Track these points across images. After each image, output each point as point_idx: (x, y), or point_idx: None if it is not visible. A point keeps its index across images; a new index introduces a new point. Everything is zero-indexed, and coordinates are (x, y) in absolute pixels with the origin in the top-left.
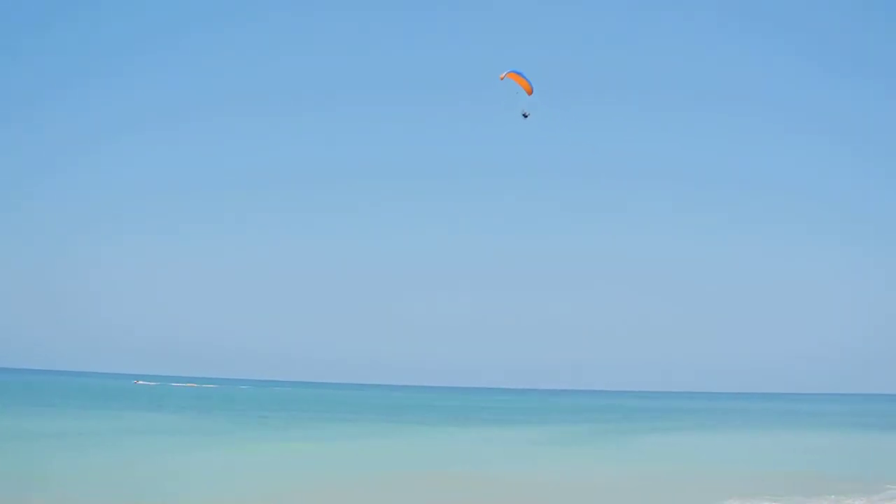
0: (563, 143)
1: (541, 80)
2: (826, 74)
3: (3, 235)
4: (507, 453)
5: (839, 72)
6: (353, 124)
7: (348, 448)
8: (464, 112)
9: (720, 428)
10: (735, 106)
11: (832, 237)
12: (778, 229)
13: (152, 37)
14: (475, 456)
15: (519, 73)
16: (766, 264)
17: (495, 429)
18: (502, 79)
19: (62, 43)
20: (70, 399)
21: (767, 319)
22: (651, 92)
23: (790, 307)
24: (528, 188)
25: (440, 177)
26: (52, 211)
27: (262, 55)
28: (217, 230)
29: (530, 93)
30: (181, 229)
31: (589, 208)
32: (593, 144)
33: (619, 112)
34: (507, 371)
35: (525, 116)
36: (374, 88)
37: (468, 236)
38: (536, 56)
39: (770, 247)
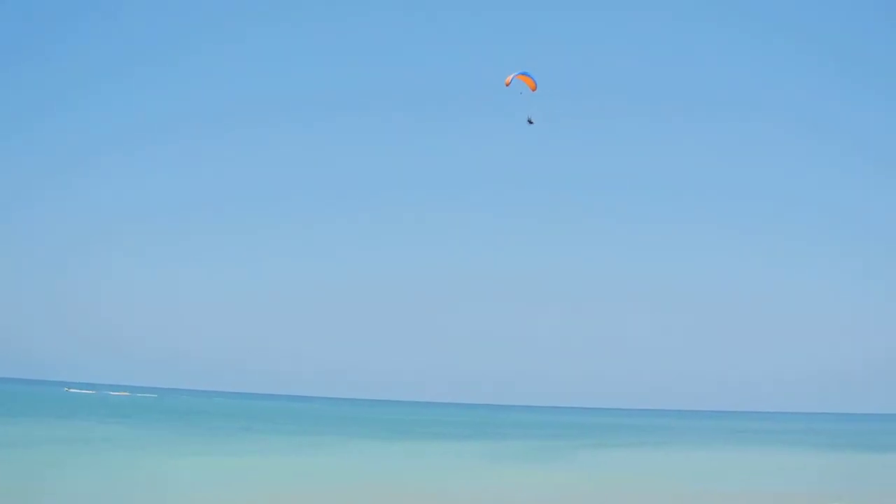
0: (556, 153)
1: (541, 90)
2: (827, 81)
3: None
4: (445, 468)
5: (841, 79)
6: (357, 136)
7: (282, 462)
8: (461, 124)
9: (666, 445)
10: (732, 115)
11: (831, 248)
12: (771, 240)
13: (161, 47)
14: (409, 470)
15: (522, 73)
16: (752, 276)
17: (438, 443)
18: (508, 84)
19: (68, 49)
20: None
21: (757, 335)
22: (646, 101)
23: (784, 321)
24: (515, 201)
25: (428, 190)
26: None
27: (266, 68)
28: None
29: (534, 89)
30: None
31: (567, 220)
32: (588, 155)
33: (616, 122)
34: (473, 386)
35: (530, 122)
36: (379, 100)
37: (441, 251)
38: (533, 65)
39: (760, 258)
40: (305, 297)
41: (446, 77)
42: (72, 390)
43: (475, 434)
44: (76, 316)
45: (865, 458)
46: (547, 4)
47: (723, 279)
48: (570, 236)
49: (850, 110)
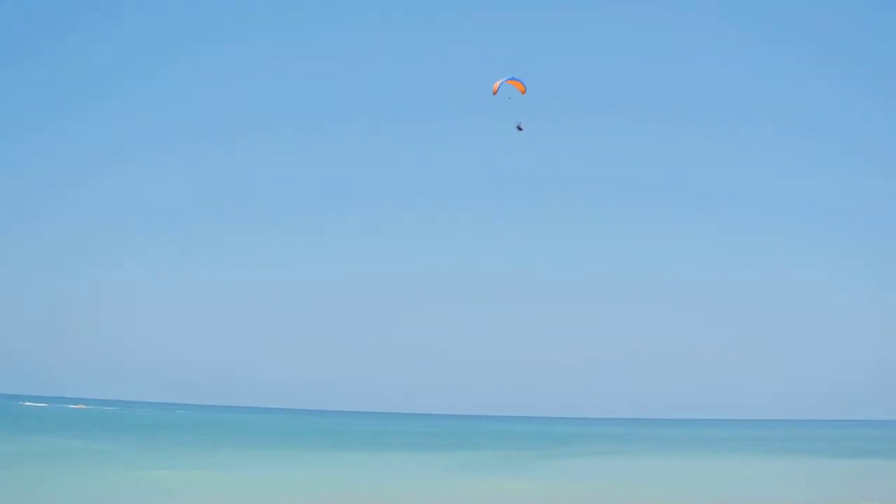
0: (553, 154)
1: (538, 94)
2: (827, 81)
3: None
4: (414, 478)
5: (841, 79)
6: (356, 137)
7: (250, 475)
8: (461, 125)
9: (638, 454)
10: (732, 115)
11: (831, 248)
12: (770, 241)
13: (161, 48)
14: (380, 481)
15: (511, 78)
16: (750, 278)
17: (409, 454)
18: (496, 92)
19: (67, 51)
20: None
21: (754, 338)
22: (645, 101)
23: (781, 324)
24: (511, 203)
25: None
26: None
27: (265, 70)
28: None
29: (524, 92)
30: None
31: (562, 222)
32: (586, 156)
33: (614, 123)
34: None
35: (519, 129)
36: (370, 106)
37: (427, 258)
38: (533, 67)
39: (758, 259)
40: (284, 305)
41: (446, 77)
42: (27, 403)
43: (448, 444)
44: (43, 325)
45: (842, 466)
46: (547, 5)
47: (719, 281)
48: (564, 238)
49: (850, 110)
